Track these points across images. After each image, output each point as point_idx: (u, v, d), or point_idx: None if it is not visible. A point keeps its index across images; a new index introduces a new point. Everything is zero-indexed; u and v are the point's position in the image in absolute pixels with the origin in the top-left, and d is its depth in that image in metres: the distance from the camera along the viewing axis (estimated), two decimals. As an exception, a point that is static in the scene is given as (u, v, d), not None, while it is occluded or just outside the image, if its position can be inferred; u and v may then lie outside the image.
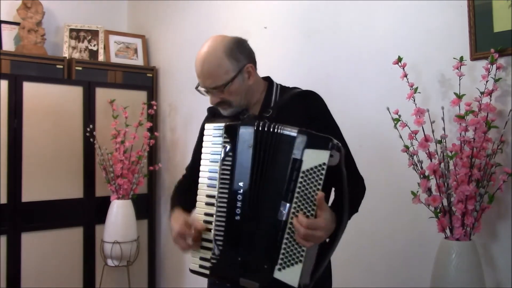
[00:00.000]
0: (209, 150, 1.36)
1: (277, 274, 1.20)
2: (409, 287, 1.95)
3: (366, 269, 2.13)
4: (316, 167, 1.19)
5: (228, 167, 1.29)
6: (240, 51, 1.44)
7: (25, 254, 2.87)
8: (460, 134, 1.67)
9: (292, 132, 1.23)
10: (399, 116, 1.76)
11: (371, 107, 2.10)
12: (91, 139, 3.07)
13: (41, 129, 2.96)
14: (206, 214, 1.33)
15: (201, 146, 1.48)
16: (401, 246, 2.00)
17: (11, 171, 2.83)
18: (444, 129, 1.70)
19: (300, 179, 1.19)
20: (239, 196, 1.26)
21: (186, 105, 3.28)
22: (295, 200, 1.20)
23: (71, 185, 3.07)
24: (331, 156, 1.18)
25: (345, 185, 1.28)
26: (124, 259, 3.04)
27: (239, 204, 1.26)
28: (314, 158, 1.19)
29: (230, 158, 1.29)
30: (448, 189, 1.63)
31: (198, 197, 1.36)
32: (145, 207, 3.40)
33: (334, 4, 2.30)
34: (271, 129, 1.27)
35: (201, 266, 1.32)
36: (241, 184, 1.27)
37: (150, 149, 3.30)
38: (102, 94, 3.19)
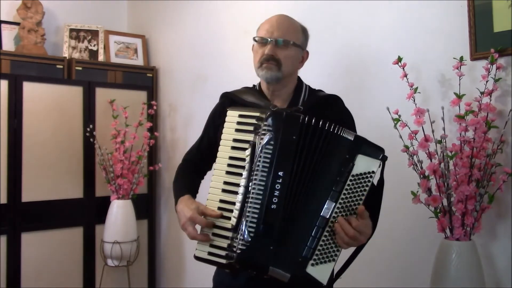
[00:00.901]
0: (230, 137, 1.33)
1: (310, 269, 1.21)
2: (409, 287, 1.95)
3: (366, 268, 2.13)
4: (365, 173, 1.23)
5: (268, 155, 1.26)
6: (308, 38, 1.57)
7: (25, 254, 2.87)
8: (460, 134, 1.67)
9: (349, 135, 1.26)
10: (399, 116, 1.76)
11: (371, 107, 2.10)
12: (91, 139, 3.07)
13: (41, 129, 2.96)
14: (222, 201, 1.29)
15: (211, 127, 1.49)
16: (401, 246, 2.00)
17: (11, 171, 2.83)
18: (444, 129, 1.70)
19: (348, 182, 1.22)
20: (277, 185, 1.24)
21: (186, 105, 3.28)
22: (340, 201, 1.22)
23: (71, 185, 3.07)
24: (379, 166, 1.24)
25: (381, 197, 1.33)
26: (124, 259, 3.04)
27: (276, 193, 1.24)
28: (365, 165, 1.23)
29: (271, 146, 1.26)
30: (448, 189, 1.63)
31: (213, 183, 1.33)
32: (145, 207, 3.40)
33: (334, 4, 2.30)
34: (320, 125, 1.27)
35: (211, 254, 1.27)
36: (281, 173, 1.24)
37: (150, 149, 3.30)
38: (102, 94, 3.19)
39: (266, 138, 1.26)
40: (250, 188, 1.25)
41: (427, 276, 1.71)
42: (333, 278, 1.38)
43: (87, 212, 3.13)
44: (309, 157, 1.26)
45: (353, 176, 1.23)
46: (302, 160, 1.26)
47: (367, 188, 1.23)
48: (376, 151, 1.25)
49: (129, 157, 3.09)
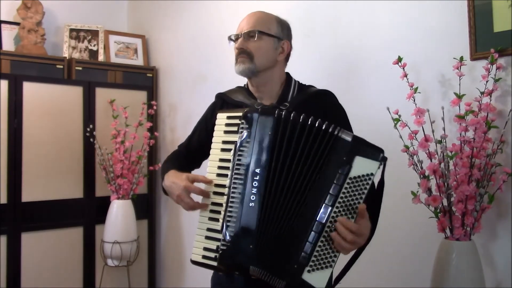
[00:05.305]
0: (220, 139, 1.32)
1: (306, 276, 1.17)
2: (409, 287, 1.95)
3: (365, 269, 2.13)
4: (363, 175, 1.19)
5: (245, 153, 1.24)
6: (287, 29, 1.53)
7: (25, 254, 2.87)
8: (460, 134, 1.67)
9: (346, 136, 1.21)
10: (399, 116, 1.76)
11: (371, 107, 2.10)
12: (91, 139, 3.07)
13: (41, 129, 2.96)
14: (213, 204, 1.28)
15: (203, 128, 1.49)
16: (401, 246, 2.00)
17: (11, 171, 2.83)
18: (444, 129, 1.70)
19: (346, 185, 1.18)
20: (255, 182, 1.21)
21: (186, 105, 3.28)
22: (337, 205, 1.18)
23: (71, 185, 3.07)
24: (378, 168, 1.20)
25: (381, 199, 1.30)
26: (124, 259, 3.04)
27: (254, 190, 1.21)
28: (363, 167, 1.19)
29: (247, 144, 1.24)
30: (448, 189, 1.63)
31: (205, 186, 1.32)
32: (145, 207, 3.40)
33: (334, 4, 2.30)
34: (302, 121, 1.22)
35: (205, 257, 1.26)
36: (258, 170, 1.21)
37: (150, 149, 3.30)
38: (102, 94, 3.19)
39: (243, 135, 1.25)
40: (231, 187, 1.24)
41: (427, 276, 1.71)
42: (332, 283, 1.35)
43: (87, 212, 3.13)
44: (295, 154, 1.22)
45: (350, 178, 1.18)
46: (283, 156, 1.22)
47: (365, 191, 1.18)
48: (375, 152, 1.19)
49: (129, 157, 3.09)
